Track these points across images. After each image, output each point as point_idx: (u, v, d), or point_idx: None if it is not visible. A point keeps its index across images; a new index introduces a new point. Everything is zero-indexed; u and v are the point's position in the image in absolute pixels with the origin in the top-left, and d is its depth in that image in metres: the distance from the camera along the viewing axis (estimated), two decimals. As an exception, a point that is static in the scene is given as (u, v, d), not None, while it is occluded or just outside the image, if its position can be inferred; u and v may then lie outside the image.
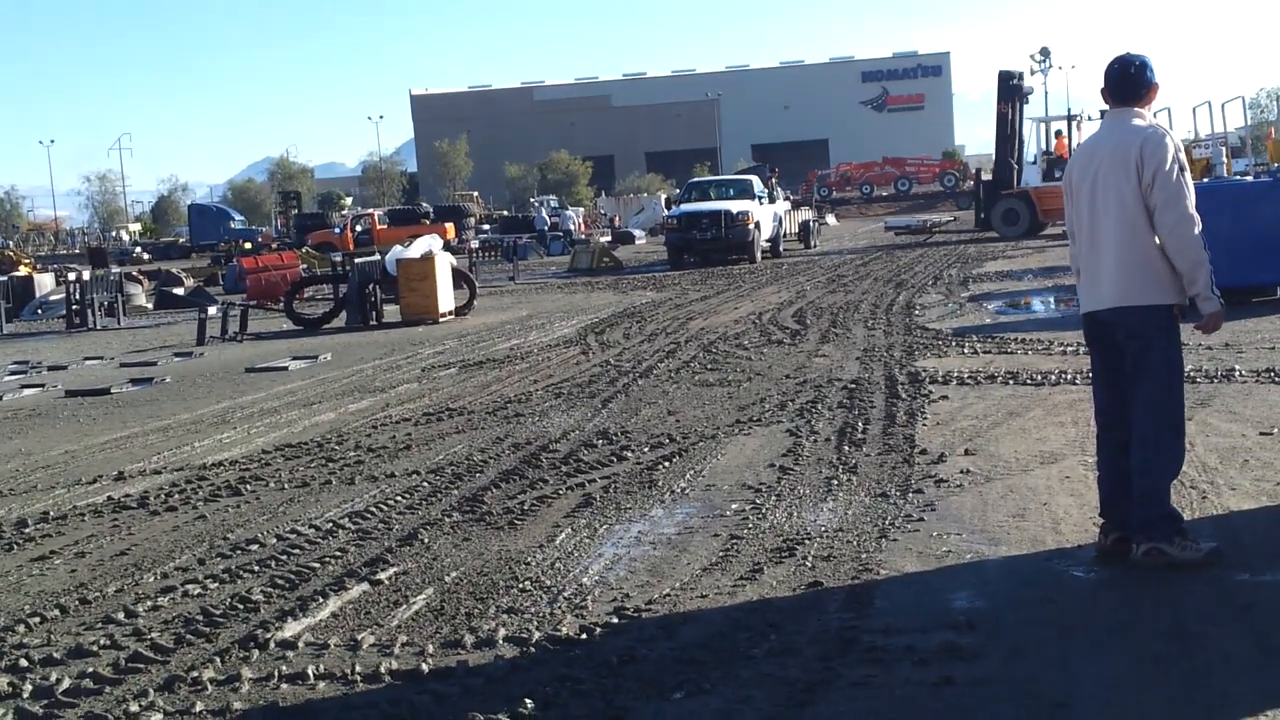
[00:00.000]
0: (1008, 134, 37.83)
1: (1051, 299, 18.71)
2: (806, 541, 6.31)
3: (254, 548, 6.93)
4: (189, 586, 6.22)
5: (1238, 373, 10.04)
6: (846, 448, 8.44)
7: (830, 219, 57.25)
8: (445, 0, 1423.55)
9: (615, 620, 5.35)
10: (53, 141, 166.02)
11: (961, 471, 7.54)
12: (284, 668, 5.00)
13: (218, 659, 5.16)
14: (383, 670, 4.89)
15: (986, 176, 39.32)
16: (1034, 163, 38.30)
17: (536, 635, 5.20)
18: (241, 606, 5.85)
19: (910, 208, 73.89)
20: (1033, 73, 50.26)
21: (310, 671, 4.92)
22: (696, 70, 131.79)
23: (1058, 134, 38.04)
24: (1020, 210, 36.14)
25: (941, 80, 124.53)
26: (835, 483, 7.50)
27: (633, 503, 7.43)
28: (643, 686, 4.59)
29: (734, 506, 7.16)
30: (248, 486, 8.53)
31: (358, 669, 4.93)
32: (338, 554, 6.71)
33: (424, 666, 4.91)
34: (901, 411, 9.60)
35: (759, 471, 8.01)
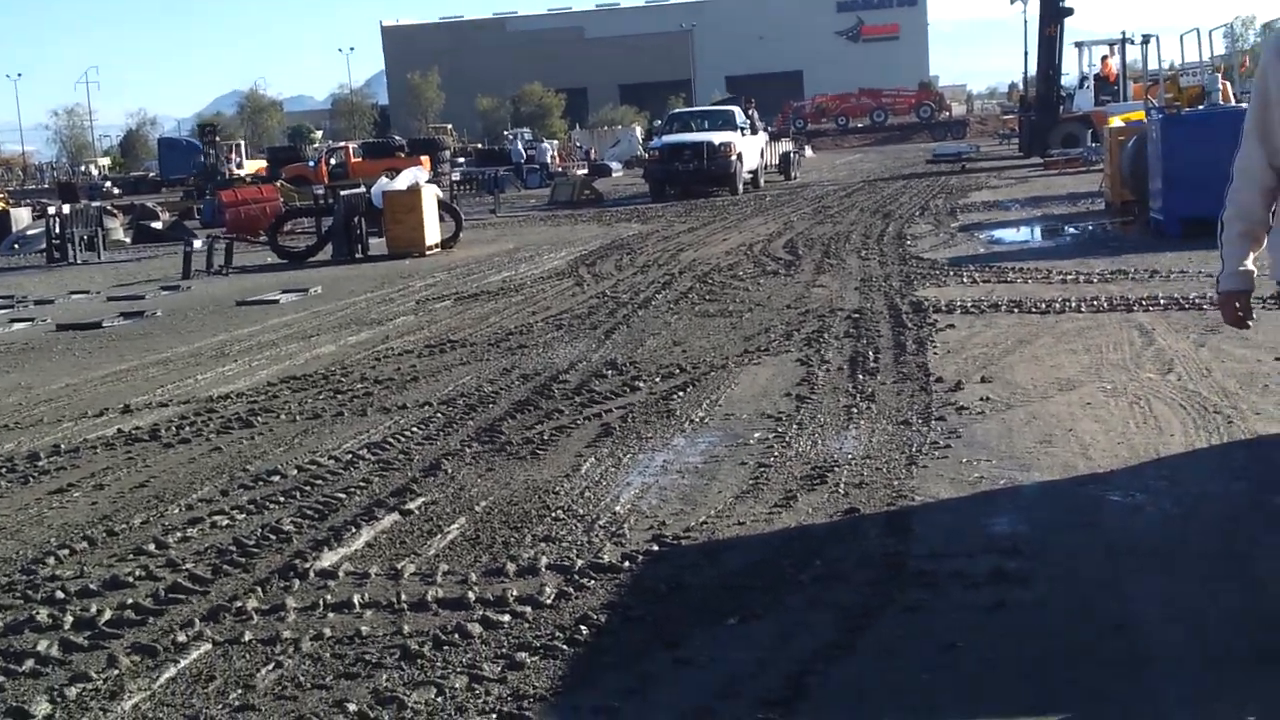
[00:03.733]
0: (1053, 57, 37.59)
1: (1040, 229, 18.68)
2: (836, 469, 6.30)
3: (276, 479, 6.88)
4: (216, 518, 6.16)
5: (1245, 300, 10.05)
6: (861, 376, 8.42)
7: (808, 151, 57.02)
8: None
9: (655, 548, 5.33)
10: (19, 75, 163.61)
11: (981, 399, 7.53)
12: (328, 597, 4.97)
13: (259, 589, 5.12)
14: (429, 599, 4.86)
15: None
16: (1082, 87, 38.15)
17: (579, 563, 5.17)
18: (274, 537, 5.81)
19: (886, 139, 73.92)
20: (1012, 1, 50.07)
21: (355, 600, 4.89)
22: (669, 1, 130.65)
23: (1104, 58, 37.90)
24: (1080, 134, 35.89)
25: (917, 10, 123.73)
26: (855, 411, 7.48)
27: (653, 432, 7.40)
28: (694, 613, 4.58)
29: (756, 435, 7.14)
30: (258, 419, 8.45)
31: (403, 598, 4.90)
32: (362, 484, 6.67)
33: (470, 595, 4.88)
34: (910, 340, 9.59)
35: (776, 400, 7.99)
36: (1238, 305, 4.28)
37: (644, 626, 4.49)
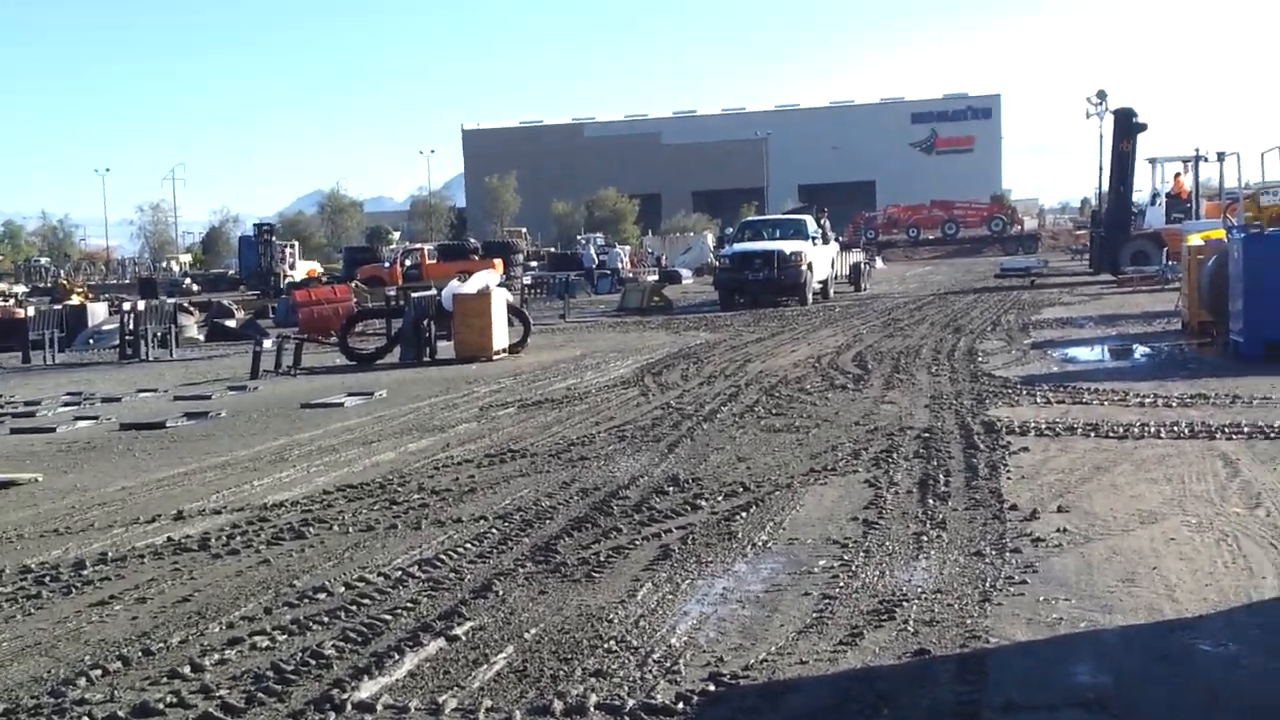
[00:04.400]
0: (1126, 173, 37.39)
1: (1115, 348, 18.26)
2: (905, 603, 5.98)
3: (322, 596, 6.66)
4: (256, 639, 5.94)
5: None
6: (931, 501, 8.10)
7: (878, 262, 56.85)
8: (499, 35, 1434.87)
9: (712, 688, 5.03)
10: (108, 170, 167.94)
11: (1058, 530, 7.18)
12: (365, 733, 4.72)
13: (292, 721, 4.88)
14: (469, 739, 4.60)
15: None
16: (1153, 204, 37.88)
17: (630, 703, 4.89)
18: (313, 662, 5.57)
19: (957, 251, 73.61)
20: (1088, 115, 49.94)
21: (393, 739, 4.64)
22: (746, 109, 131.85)
23: (1176, 175, 37.64)
24: (1151, 251, 35.54)
25: (991, 123, 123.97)
26: (925, 539, 7.16)
27: (713, 556, 7.12)
28: (750, 764, 4.28)
29: (821, 562, 6.84)
30: (311, 529, 8.27)
31: (443, 737, 4.64)
32: (409, 605, 6.43)
33: (512, 735, 4.62)
34: (982, 463, 9.26)
35: (842, 525, 7.68)
36: None
37: (696, 778, 4.19)
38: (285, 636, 5.99)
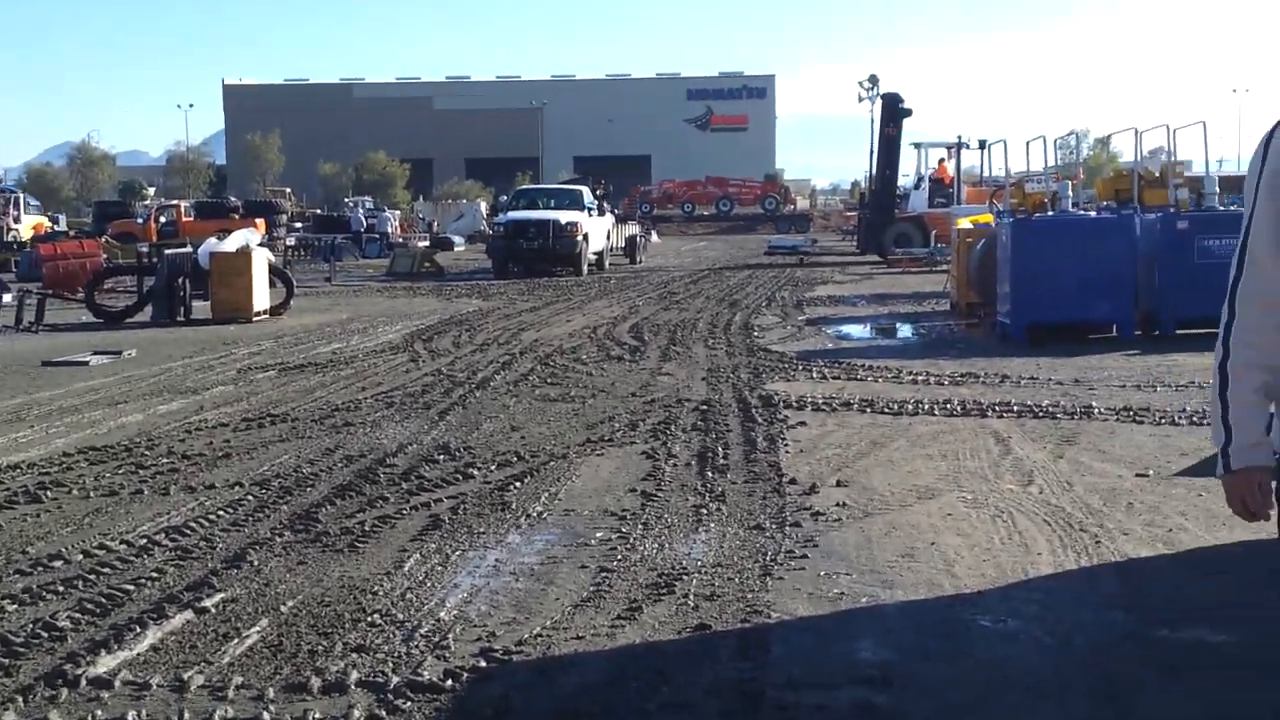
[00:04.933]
0: (891, 157, 38.13)
1: (887, 327, 18.59)
2: (684, 577, 5.77)
3: (57, 564, 6.11)
4: (-20, 610, 5.38)
5: (1096, 410, 9.85)
6: (710, 473, 7.93)
7: (654, 236, 57.10)
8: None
9: (483, 664, 4.73)
10: None
11: (837, 504, 7.09)
12: (99, 712, 4.27)
13: (19, 698, 4.41)
14: (216, 719, 4.18)
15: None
16: (917, 188, 38.74)
17: (394, 680, 4.54)
18: (45, 634, 5.07)
19: (731, 228, 74.57)
20: (860, 100, 51.08)
21: (130, 718, 4.19)
22: (521, 77, 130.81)
23: (940, 161, 38.55)
24: (914, 235, 36.25)
25: (766, 102, 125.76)
26: (704, 512, 6.98)
27: (485, 526, 6.80)
28: (525, 748, 3.99)
29: (598, 535, 6.59)
30: (48, 493, 7.64)
31: (186, 716, 4.21)
32: (154, 575, 5.93)
33: (265, 716, 4.22)
34: (760, 436, 9.16)
35: (619, 496, 7.45)
36: (1259, 487, 3.05)
37: (466, 765, 3.88)
38: (15, 606, 5.46)
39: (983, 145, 32.26)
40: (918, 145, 40.49)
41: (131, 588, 5.71)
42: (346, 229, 53.31)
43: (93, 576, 5.90)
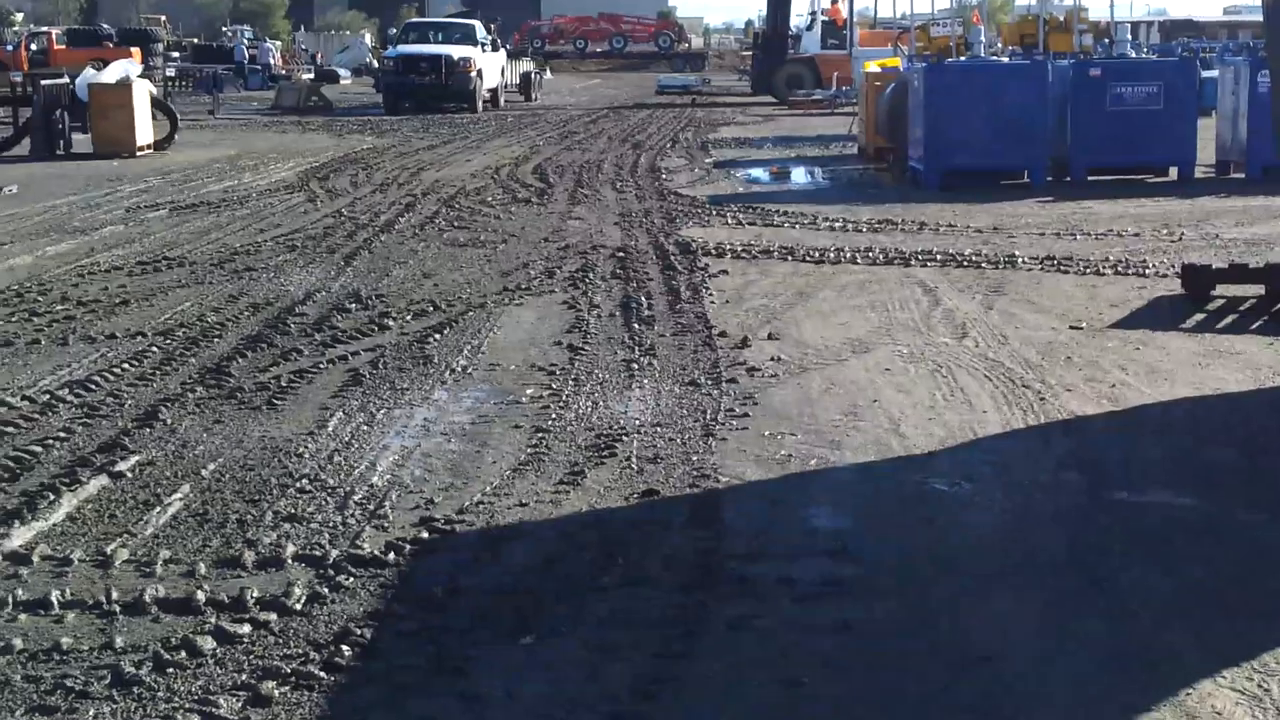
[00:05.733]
0: None
1: (797, 171, 18.34)
2: (625, 438, 5.54)
3: (-49, 425, 5.71)
4: None
5: (1020, 259, 9.72)
6: (636, 325, 7.68)
7: (547, 73, 55.95)
8: None
9: (425, 535, 4.48)
10: None
11: (771, 359, 6.89)
12: (20, 591, 3.96)
13: (-77, 579, 4.06)
14: (147, 599, 3.89)
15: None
16: (810, 29, 38.18)
17: (334, 553, 4.28)
18: (-54, 504, 4.71)
19: (625, 66, 73.41)
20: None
21: (54, 598, 3.90)
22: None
23: (833, 2, 37.99)
24: (806, 76, 35.79)
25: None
26: (636, 367, 6.74)
27: (409, 382, 6.50)
28: (480, 627, 3.77)
29: (529, 391, 6.33)
30: (-66, 344, 7.17)
31: (115, 596, 3.92)
32: (62, 435, 5.58)
33: (199, 594, 3.94)
34: (683, 285, 8.92)
35: (545, 350, 7.18)
36: None
37: (420, 646, 3.65)
38: (-93, 472, 5.07)
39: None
40: None
41: (39, 449, 5.35)
42: (227, 60, 51.47)
43: (-7, 437, 5.53)
